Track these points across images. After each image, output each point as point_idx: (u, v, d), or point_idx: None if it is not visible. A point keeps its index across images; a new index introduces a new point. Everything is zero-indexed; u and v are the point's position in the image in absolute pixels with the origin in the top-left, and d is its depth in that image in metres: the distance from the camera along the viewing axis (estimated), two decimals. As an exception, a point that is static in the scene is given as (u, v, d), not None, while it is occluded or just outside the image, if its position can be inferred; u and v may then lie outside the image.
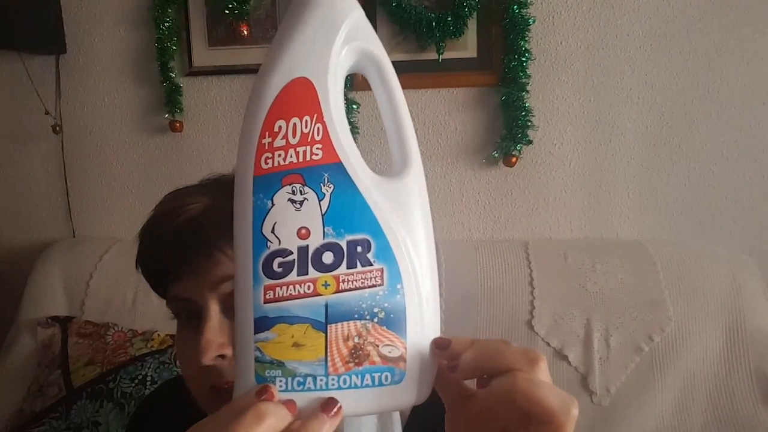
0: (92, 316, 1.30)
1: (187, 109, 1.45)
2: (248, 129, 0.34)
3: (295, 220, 0.33)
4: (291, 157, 0.33)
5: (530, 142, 1.33)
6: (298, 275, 0.33)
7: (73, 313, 1.32)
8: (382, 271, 0.34)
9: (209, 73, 1.44)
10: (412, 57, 1.34)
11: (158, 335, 1.23)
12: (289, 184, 0.33)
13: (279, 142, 0.33)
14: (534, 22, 1.29)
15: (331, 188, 0.34)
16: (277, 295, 0.33)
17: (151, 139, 1.49)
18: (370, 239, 0.34)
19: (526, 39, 1.29)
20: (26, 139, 1.53)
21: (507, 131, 1.33)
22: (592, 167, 1.37)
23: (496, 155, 1.35)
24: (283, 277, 0.33)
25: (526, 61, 1.29)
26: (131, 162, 1.51)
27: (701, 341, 1.16)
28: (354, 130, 1.34)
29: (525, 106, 1.31)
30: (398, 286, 0.34)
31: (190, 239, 0.52)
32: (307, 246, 0.33)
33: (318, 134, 0.34)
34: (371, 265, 0.34)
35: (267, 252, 0.33)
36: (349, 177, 0.34)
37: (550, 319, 1.20)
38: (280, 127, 0.33)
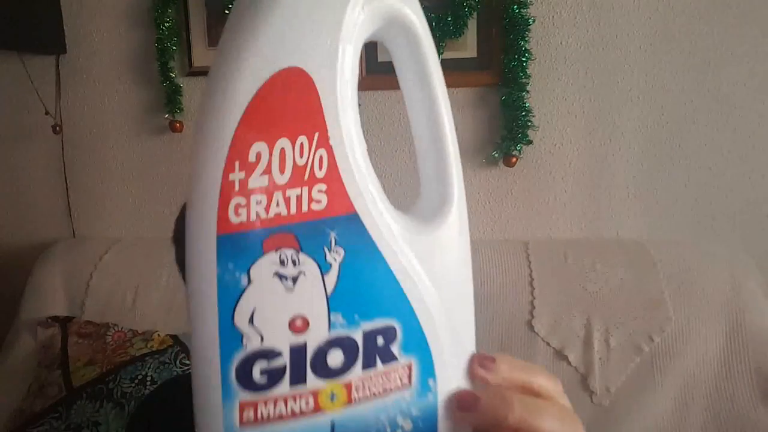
0: (92, 316, 1.30)
1: (187, 109, 1.45)
2: (204, 155, 0.21)
3: (286, 305, 0.23)
4: (277, 205, 0.22)
5: (530, 142, 1.33)
6: (292, 386, 0.23)
7: (73, 313, 1.32)
8: (410, 367, 0.25)
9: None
10: (412, 57, 1.34)
11: (158, 335, 1.23)
12: (276, 250, 0.22)
13: (258, 180, 0.21)
14: (534, 22, 1.28)
15: (341, 255, 0.23)
16: (260, 416, 0.23)
17: (151, 139, 1.49)
18: (396, 325, 0.24)
19: (526, 39, 1.29)
20: (26, 139, 1.53)
21: (507, 131, 1.33)
22: (592, 167, 1.37)
23: (496, 155, 1.35)
24: (269, 389, 0.23)
25: (526, 61, 1.29)
26: (131, 162, 1.51)
27: (701, 341, 1.16)
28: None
29: (525, 106, 1.31)
30: (430, 382, 0.25)
31: None
32: (305, 344, 0.23)
33: (321, 166, 0.22)
34: (396, 360, 0.25)
35: (243, 353, 0.23)
36: (369, 235, 0.23)
37: (550, 319, 1.20)
38: (258, 155, 0.21)
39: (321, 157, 0.22)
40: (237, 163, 0.21)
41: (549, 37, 1.33)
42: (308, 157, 0.22)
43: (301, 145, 0.21)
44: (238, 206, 0.21)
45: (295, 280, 0.23)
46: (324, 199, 0.22)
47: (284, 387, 0.23)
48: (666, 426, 1.12)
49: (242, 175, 0.21)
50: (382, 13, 0.22)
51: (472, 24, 1.32)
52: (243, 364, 0.23)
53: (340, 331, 0.23)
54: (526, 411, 0.25)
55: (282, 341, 0.23)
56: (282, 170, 0.21)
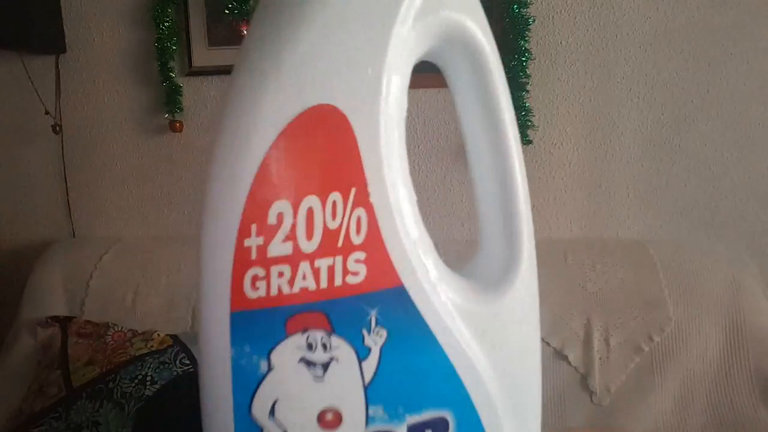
0: (92, 316, 1.30)
1: (187, 109, 1.45)
2: (213, 216, 0.17)
3: (315, 396, 0.18)
4: (304, 278, 0.17)
5: (530, 142, 1.33)
6: None
7: (73, 313, 1.32)
8: None
9: (209, 73, 1.44)
10: (412, 57, 1.34)
11: (158, 335, 1.22)
12: (302, 332, 0.18)
13: (279, 247, 0.17)
14: (534, 21, 1.28)
15: (383, 338, 0.18)
16: None
17: (151, 139, 1.49)
18: (448, 418, 0.20)
19: (526, 39, 1.29)
20: (26, 139, 1.53)
21: (507, 131, 1.33)
22: (592, 167, 1.37)
23: (496, 155, 1.35)
24: None
25: (526, 61, 1.29)
26: (131, 162, 1.51)
27: (701, 341, 1.16)
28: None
29: (525, 106, 1.31)
30: None
31: None
32: None
33: (359, 230, 0.17)
34: None
35: None
36: (418, 313, 0.18)
37: (550, 319, 1.20)
38: (280, 216, 0.17)
39: (359, 219, 0.17)
40: (254, 227, 0.16)
41: (549, 37, 1.33)
42: (343, 219, 0.17)
43: (334, 203, 0.17)
44: (255, 278, 0.17)
45: (325, 367, 0.18)
46: (362, 270, 0.17)
47: None
48: (666, 426, 1.12)
49: (260, 240, 0.17)
50: (437, 29, 0.17)
51: (472, 24, 1.32)
52: None
53: (381, 427, 0.18)
54: None
55: None
56: (309, 236, 0.17)
